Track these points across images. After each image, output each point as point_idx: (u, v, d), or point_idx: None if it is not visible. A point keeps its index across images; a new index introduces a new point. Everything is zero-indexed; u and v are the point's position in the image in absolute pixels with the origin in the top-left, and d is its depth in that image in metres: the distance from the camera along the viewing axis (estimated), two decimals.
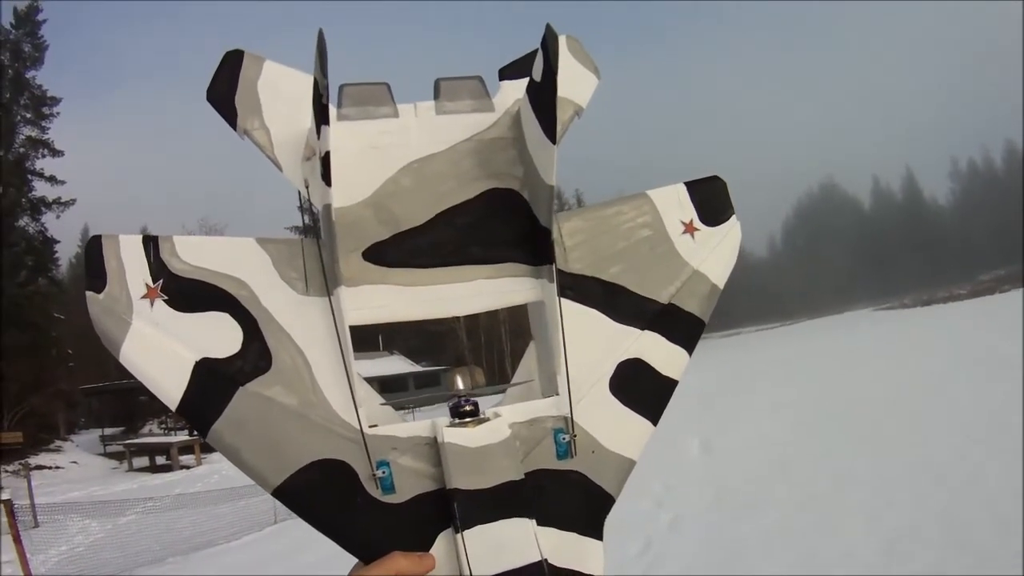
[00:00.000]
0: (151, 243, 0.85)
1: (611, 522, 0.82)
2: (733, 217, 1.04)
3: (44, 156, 33.99)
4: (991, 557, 4.79)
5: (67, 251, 43.72)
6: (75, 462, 29.30)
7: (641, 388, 0.90)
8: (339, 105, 0.94)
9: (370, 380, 0.98)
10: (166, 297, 0.84)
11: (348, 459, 0.79)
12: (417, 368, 44.88)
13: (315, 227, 0.92)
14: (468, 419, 0.82)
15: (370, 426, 0.81)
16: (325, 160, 0.82)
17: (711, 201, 1.03)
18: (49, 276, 34.65)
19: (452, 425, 0.81)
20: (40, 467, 26.31)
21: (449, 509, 0.76)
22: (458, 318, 0.94)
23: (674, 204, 1.02)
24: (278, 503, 0.82)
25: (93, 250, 0.84)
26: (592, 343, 0.90)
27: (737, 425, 12.27)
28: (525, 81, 0.91)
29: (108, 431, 35.13)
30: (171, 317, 0.83)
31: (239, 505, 12.20)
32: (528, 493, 0.77)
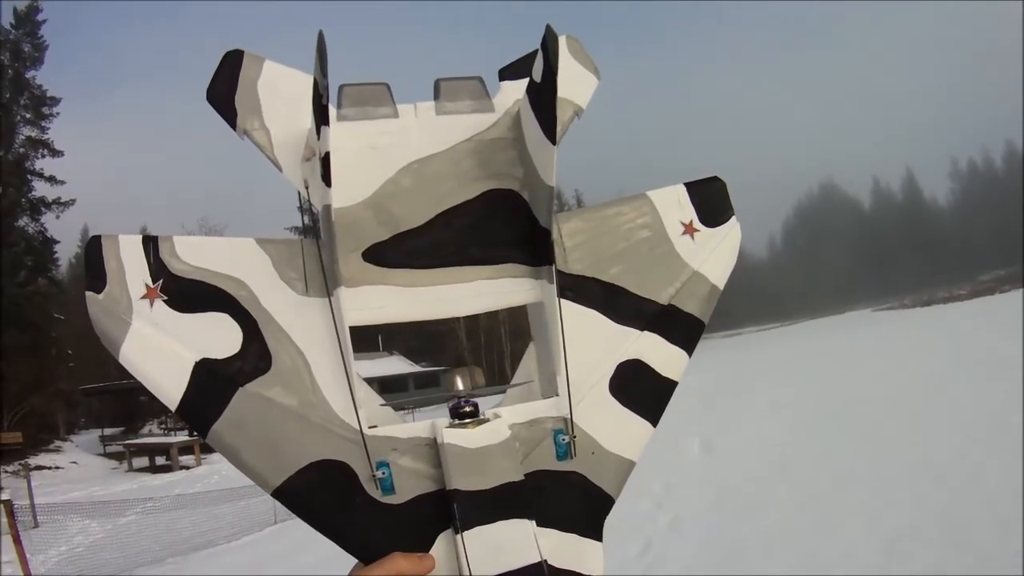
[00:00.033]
0: (151, 243, 0.85)
1: (611, 523, 0.82)
2: (733, 218, 1.04)
3: (44, 156, 34.07)
4: (991, 557, 4.79)
5: (67, 251, 43.82)
6: (75, 462, 29.30)
7: (641, 389, 0.90)
8: (339, 105, 0.93)
9: (370, 381, 0.98)
10: (166, 297, 0.83)
11: (348, 460, 0.79)
12: (417, 369, 44.89)
13: (315, 227, 0.92)
14: (468, 420, 0.82)
15: (370, 427, 0.81)
16: (325, 161, 0.81)
17: (711, 202, 1.03)
18: (49, 276, 34.69)
19: (452, 426, 0.81)
20: (40, 467, 26.32)
21: (449, 510, 0.75)
22: (458, 319, 0.94)
23: (674, 205, 1.02)
24: (278, 504, 0.82)
25: (93, 250, 0.84)
26: (592, 344, 0.90)
27: (737, 425, 12.26)
28: (525, 81, 0.91)
29: (108, 431, 35.13)
30: (171, 317, 0.83)
31: (239, 505, 12.20)
32: (528, 494, 0.77)
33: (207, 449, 25.09)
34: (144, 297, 0.83)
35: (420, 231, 0.91)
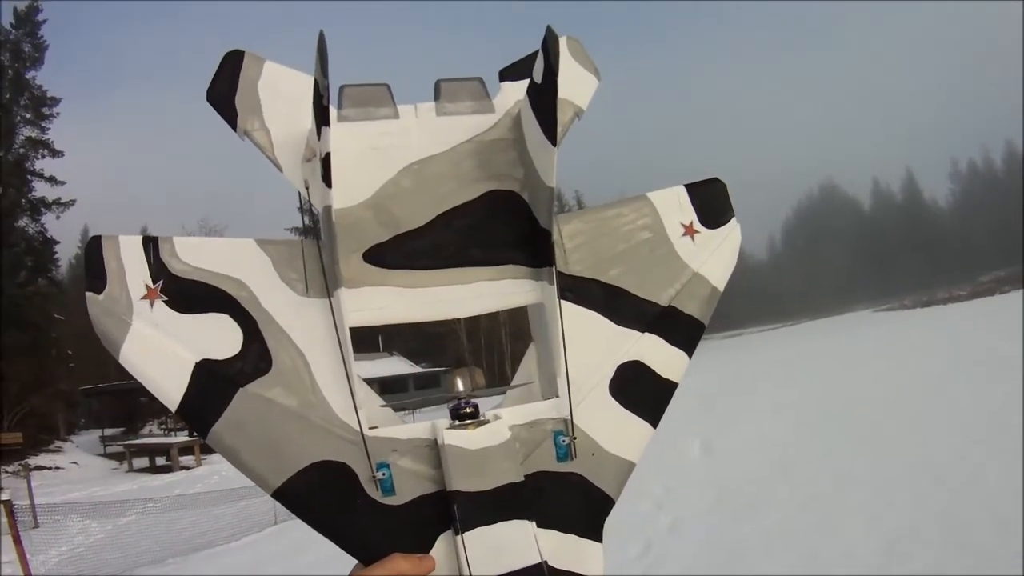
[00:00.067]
0: (151, 244, 0.85)
1: (611, 524, 0.82)
2: (733, 219, 1.04)
3: (44, 156, 34.08)
4: (991, 557, 4.79)
5: (67, 252, 43.74)
6: (75, 463, 29.30)
7: (641, 390, 0.90)
8: (339, 106, 0.93)
9: (370, 381, 0.98)
10: (166, 298, 0.83)
11: (348, 461, 0.79)
12: (417, 370, 44.87)
13: (315, 228, 0.92)
14: (468, 421, 0.82)
15: (370, 428, 0.81)
16: (325, 161, 0.81)
17: (711, 203, 1.03)
18: (49, 277, 34.69)
19: (452, 427, 0.81)
20: (40, 468, 26.31)
21: (449, 511, 0.75)
22: (458, 320, 0.94)
23: (674, 206, 1.02)
24: (278, 504, 0.82)
25: (93, 251, 0.84)
26: (592, 345, 0.90)
27: (738, 426, 12.26)
28: (525, 82, 0.91)
29: (108, 432, 35.08)
30: (171, 318, 0.83)
31: (239, 506, 12.20)
32: (528, 495, 0.77)
33: (207, 450, 25.09)
34: (144, 298, 0.83)
35: (420, 232, 0.91)
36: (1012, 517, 5.27)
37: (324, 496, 0.78)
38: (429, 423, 0.83)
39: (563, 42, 1.04)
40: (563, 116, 0.97)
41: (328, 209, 0.84)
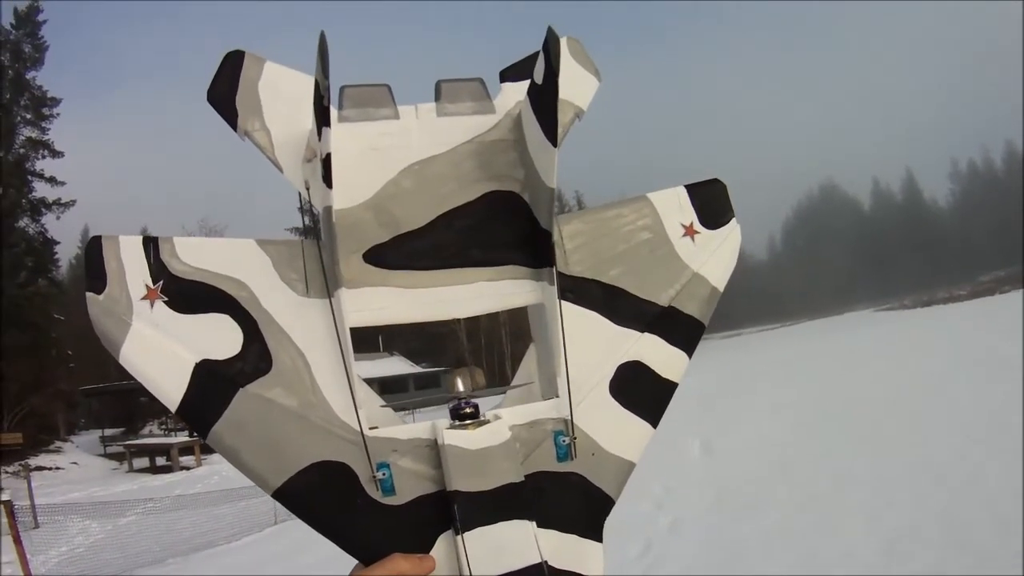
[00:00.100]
0: (151, 244, 0.85)
1: (611, 524, 0.82)
2: (733, 220, 1.04)
3: (44, 157, 34.08)
4: (991, 557, 4.79)
5: (67, 252, 43.73)
6: (75, 463, 29.30)
7: (641, 390, 0.90)
8: (340, 107, 0.93)
9: (370, 381, 0.98)
10: (166, 298, 0.83)
11: (348, 461, 0.79)
12: (417, 370, 44.87)
13: (315, 228, 0.92)
14: (468, 421, 0.82)
15: (370, 428, 0.81)
16: (326, 162, 0.82)
17: (711, 204, 1.03)
18: (49, 277, 34.69)
19: (452, 427, 0.81)
20: (40, 468, 26.32)
21: (449, 511, 0.76)
22: (458, 320, 0.94)
23: (674, 207, 1.02)
24: (278, 504, 0.82)
25: (93, 251, 0.84)
26: (592, 345, 0.90)
27: (737, 426, 12.26)
28: (526, 83, 0.91)
29: (108, 432, 35.07)
30: (171, 318, 0.83)
31: (239, 506, 12.20)
32: (528, 495, 0.77)
33: (207, 450, 25.09)
34: (144, 298, 0.83)
35: (421, 232, 0.91)
36: (1012, 517, 5.27)
37: (324, 496, 0.78)
38: (429, 423, 0.83)
39: (564, 43, 1.04)
40: (564, 117, 0.97)
41: (328, 209, 0.84)
